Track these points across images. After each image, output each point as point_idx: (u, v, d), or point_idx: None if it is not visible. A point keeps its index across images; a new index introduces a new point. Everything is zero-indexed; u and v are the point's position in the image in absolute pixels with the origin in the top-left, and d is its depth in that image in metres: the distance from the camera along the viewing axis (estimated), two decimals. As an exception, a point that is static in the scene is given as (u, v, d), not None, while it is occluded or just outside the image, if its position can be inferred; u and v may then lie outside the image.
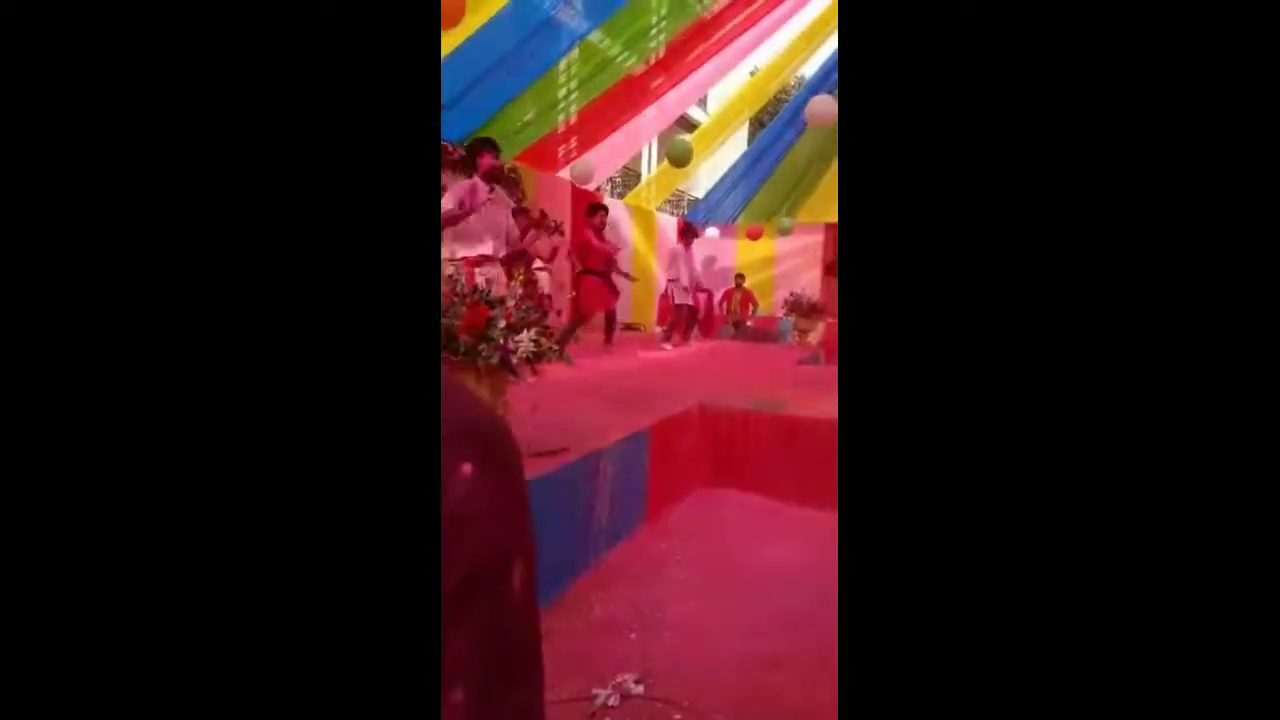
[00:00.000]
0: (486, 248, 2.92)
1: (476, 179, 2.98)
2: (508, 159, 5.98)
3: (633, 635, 1.72)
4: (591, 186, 7.38)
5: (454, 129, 5.38)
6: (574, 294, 4.58)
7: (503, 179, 3.11)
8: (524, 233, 4.14)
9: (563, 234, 5.01)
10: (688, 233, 5.66)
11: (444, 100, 5.04)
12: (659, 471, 2.44)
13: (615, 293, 4.89)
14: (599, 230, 4.80)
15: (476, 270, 1.49)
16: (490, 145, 3.16)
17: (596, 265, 4.76)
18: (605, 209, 4.94)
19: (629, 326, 7.30)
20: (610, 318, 4.95)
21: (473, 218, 2.89)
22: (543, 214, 4.46)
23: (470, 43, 4.57)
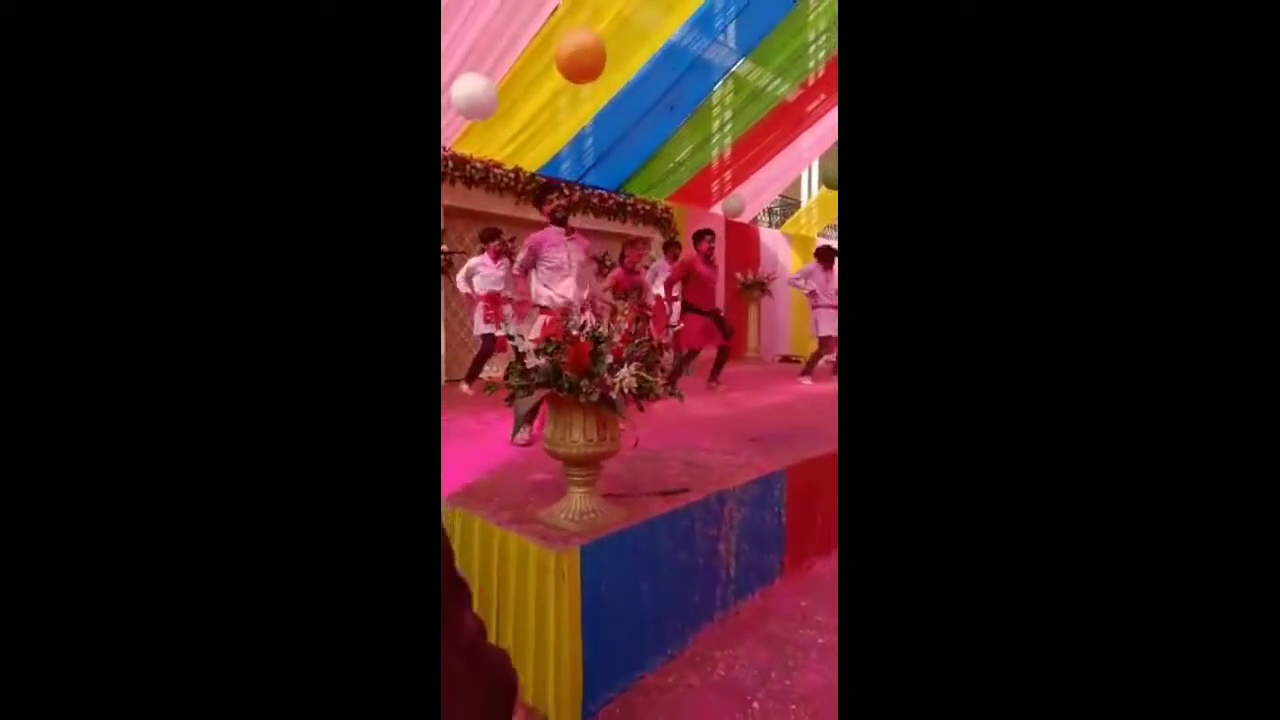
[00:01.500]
0: (568, 293, 2.87)
1: (550, 226, 2.97)
2: (660, 200, 6.17)
3: (755, 704, 1.54)
4: (746, 219, 7.30)
5: (607, 178, 5.70)
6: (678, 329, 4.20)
7: (567, 219, 3.01)
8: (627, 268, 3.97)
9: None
10: (824, 254, 4.92)
11: (598, 150, 5.33)
12: (798, 519, 2.21)
13: (721, 329, 4.24)
14: (706, 257, 4.25)
15: (565, 321, 1.43)
16: (550, 187, 3.13)
17: (701, 302, 4.22)
18: (712, 233, 4.34)
19: (786, 358, 6.99)
20: (722, 356, 4.33)
21: (546, 265, 2.89)
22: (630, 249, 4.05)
23: (622, 94, 4.82)
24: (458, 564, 0.54)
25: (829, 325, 4.83)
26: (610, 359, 1.45)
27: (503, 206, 4.76)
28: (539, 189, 3.24)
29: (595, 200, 5.58)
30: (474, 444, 2.57)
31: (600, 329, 1.48)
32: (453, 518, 1.74)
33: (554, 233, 2.94)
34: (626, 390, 1.38)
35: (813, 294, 4.92)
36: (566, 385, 1.40)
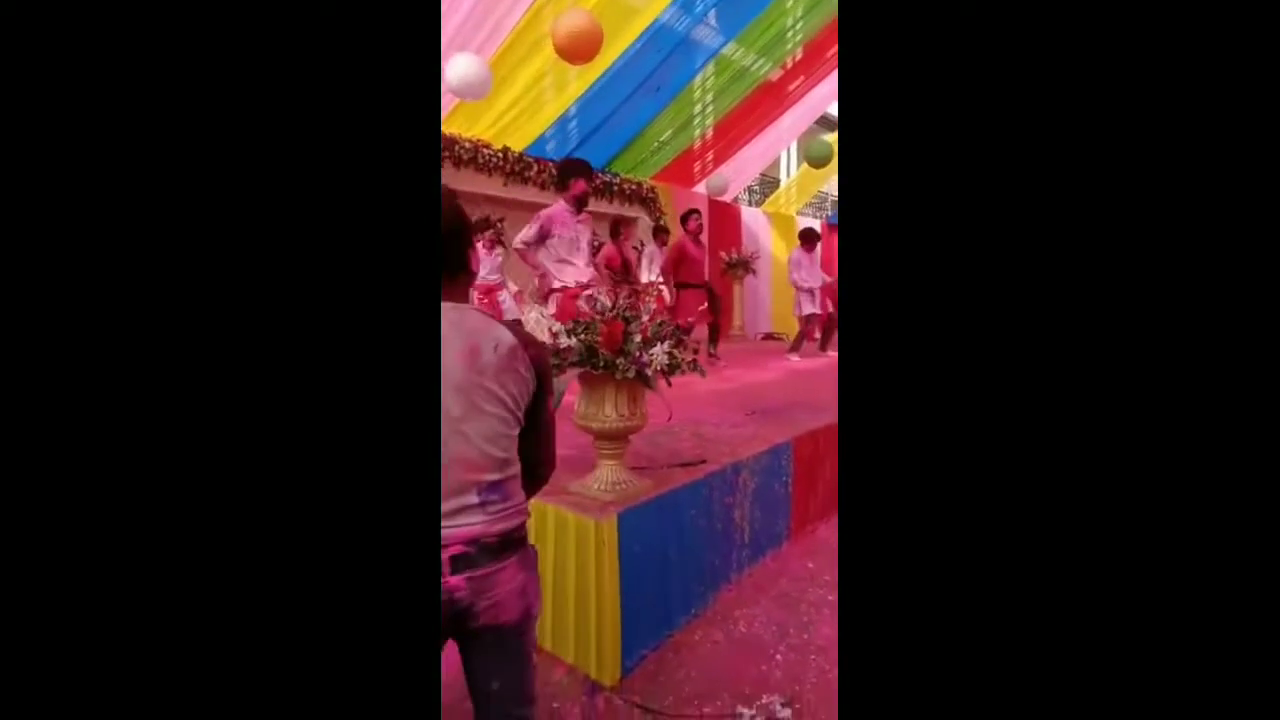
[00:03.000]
0: (582, 275, 2.84)
1: (563, 203, 2.89)
2: (645, 179, 6.18)
3: (778, 656, 1.66)
4: (728, 197, 7.37)
5: (591, 157, 5.67)
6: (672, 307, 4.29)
7: (586, 205, 2.96)
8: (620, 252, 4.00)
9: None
10: (807, 236, 5.15)
11: (583, 130, 5.29)
12: (803, 487, 2.34)
13: (711, 302, 4.50)
14: (695, 236, 4.54)
15: (580, 301, 1.44)
16: (584, 169, 2.97)
17: (693, 277, 4.49)
18: (698, 212, 4.66)
19: (770, 336, 7.14)
20: (714, 329, 4.61)
21: (557, 243, 2.82)
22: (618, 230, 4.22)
23: (608, 74, 4.80)
24: None
25: (808, 305, 5.03)
26: (639, 338, 1.52)
27: (491, 186, 4.73)
28: (563, 166, 3.03)
29: (581, 180, 5.56)
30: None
31: (627, 310, 1.55)
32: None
33: (568, 212, 2.87)
34: (659, 367, 1.45)
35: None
36: (602, 363, 1.47)
